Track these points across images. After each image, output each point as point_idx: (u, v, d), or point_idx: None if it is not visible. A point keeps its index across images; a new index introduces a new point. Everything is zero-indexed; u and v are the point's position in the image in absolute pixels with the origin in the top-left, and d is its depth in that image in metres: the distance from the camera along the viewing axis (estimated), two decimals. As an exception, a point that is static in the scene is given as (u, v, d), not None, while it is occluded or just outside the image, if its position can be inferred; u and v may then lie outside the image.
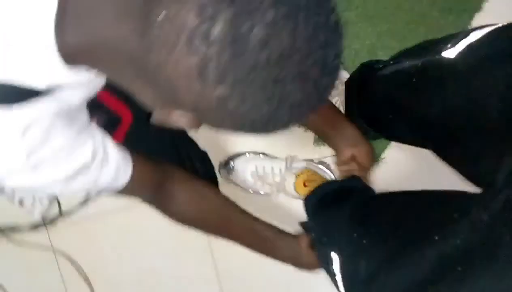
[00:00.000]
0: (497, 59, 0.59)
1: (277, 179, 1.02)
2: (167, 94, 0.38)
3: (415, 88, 0.72)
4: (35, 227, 1.10)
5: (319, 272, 0.84)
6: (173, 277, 1.16)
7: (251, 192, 1.08)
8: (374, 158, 0.87)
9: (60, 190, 0.50)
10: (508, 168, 0.51)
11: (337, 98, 0.98)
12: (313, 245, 0.84)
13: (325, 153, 1.10)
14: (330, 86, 0.39)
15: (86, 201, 1.10)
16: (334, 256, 0.73)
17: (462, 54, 0.63)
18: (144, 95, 0.41)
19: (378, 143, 1.10)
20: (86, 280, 1.14)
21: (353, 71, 0.98)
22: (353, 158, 0.87)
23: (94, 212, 1.11)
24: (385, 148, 1.10)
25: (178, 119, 0.42)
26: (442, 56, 0.66)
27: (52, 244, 1.12)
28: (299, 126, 1.05)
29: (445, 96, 0.65)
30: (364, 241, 0.66)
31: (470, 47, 0.63)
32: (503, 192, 0.44)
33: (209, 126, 0.43)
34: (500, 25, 0.61)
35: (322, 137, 0.89)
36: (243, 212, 0.82)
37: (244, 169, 1.06)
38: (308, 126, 0.89)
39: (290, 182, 1.01)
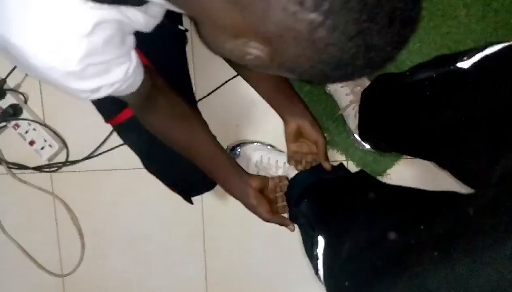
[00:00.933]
0: (507, 71, 0.60)
1: (280, 172, 1.03)
2: (256, 19, 0.39)
3: (429, 98, 0.73)
4: (40, 168, 1.13)
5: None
6: (161, 248, 1.19)
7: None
8: (321, 132, 0.88)
9: (85, 97, 0.52)
10: (501, 170, 0.51)
11: (355, 105, 0.98)
12: (291, 215, 0.88)
13: (332, 154, 1.11)
14: (408, 39, 0.40)
15: (94, 152, 1.13)
16: (320, 239, 0.74)
17: (475, 65, 0.65)
18: (222, 21, 0.42)
19: (385, 159, 1.10)
20: (79, 230, 1.17)
21: (371, 82, 0.98)
22: (299, 132, 0.89)
23: (99, 166, 1.14)
24: (392, 165, 1.11)
25: (252, 51, 0.43)
26: (457, 67, 0.67)
27: (53, 189, 1.16)
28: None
29: (456, 104, 0.66)
30: (350, 226, 0.67)
31: (484, 59, 0.64)
32: (493, 189, 0.44)
33: (277, 65, 0.44)
34: None
35: (273, 107, 0.91)
36: (214, 140, 0.84)
37: (249, 157, 1.07)
38: (262, 94, 0.91)
39: (291, 176, 1.02)
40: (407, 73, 0.86)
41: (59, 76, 0.46)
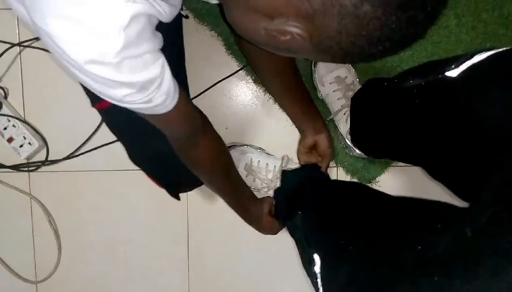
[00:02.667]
0: (496, 79, 0.61)
1: (270, 176, 1.01)
2: None
3: (417, 106, 0.74)
4: (18, 167, 1.08)
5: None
6: (143, 253, 1.14)
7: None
8: (332, 146, 0.98)
9: (122, 98, 0.50)
10: (495, 184, 0.51)
11: (346, 109, 0.97)
12: (289, 230, 0.92)
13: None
14: (440, 14, 0.42)
15: (75, 152, 1.08)
16: (317, 258, 0.72)
17: (464, 74, 0.65)
18: (257, 2, 0.44)
19: (375, 166, 1.09)
20: (56, 233, 1.12)
21: (360, 88, 0.98)
22: (313, 146, 0.98)
23: (80, 167, 1.10)
24: (382, 172, 1.10)
25: (290, 29, 0.44)
26: (445, 75, 0.68)
27: (31, 189, 1.10)
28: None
29: (445, 113, 0.67)
30: (348, 245, 0.65)
31: (472, 67, 0.65)
32: (490, 208, 0.44)
33: (314, 45, 0.45)
34: (503, 49, 0.63)
35: (293, 120, 1.00)
36: (237, 172, 0.92)
37: (239, 160, 1.05)
38: (283, 107, 1.01)
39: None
40: (396, 80, 0.87)
41: (100, 69, 0.45)
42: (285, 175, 1.00)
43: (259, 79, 1.01)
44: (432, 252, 0.46)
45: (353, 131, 0.98)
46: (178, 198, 0.98)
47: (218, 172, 0.84)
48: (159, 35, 0.53)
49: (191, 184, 0.98)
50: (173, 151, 0.79)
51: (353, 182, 0.96)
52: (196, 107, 0.67)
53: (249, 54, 0.94)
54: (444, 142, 0.70)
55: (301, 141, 0.99)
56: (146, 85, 0.50)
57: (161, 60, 0.51)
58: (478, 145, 0.62)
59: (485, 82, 0.63)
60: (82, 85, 0.81)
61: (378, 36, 0.41)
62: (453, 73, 0.67)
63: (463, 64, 0.67)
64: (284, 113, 1.07)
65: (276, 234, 1.00)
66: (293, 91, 0.95)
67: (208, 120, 0.79)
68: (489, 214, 0.43)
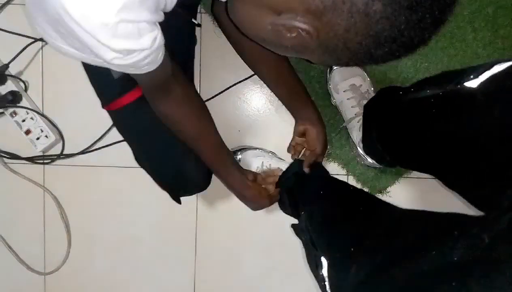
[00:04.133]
0: None
1: (280, 179, 1.01)
2: None
3: (434, 117, 0.73)
4: (33, 159, 1.10)
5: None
6: (150, 252, 1.15)
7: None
8: (325, 142, 0.94)
9: (111, 59, 0.50)
10: None
11: (360, 118, 0.98)
12: (295, 231, 0.90)
13: (333, 168, 1.10)
14: (446, 20, 0.43)
15: (90, 147, 1.10)
16: (324, 261, 0.72)
17: (483, 84, 0.65)
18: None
19: (386, 176, 1.09)
20: (67, 227, 1.13)
21: (374, 95, 0.98)
22: (303, 134, 0.95)
23: (94, 162, 1.11)
24: (393, 183, 1.10)
25: (298, 25, 0.44)
26: (464, 86, 0.67)
27: (45, 182, 1.12)
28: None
29: (462, 125, 0.66)
30: (357, 249, 0.65)
31: (492, 78, 0.64)
32: (508, 214, 0.43)
33: (320, 43, 0.45)
34: None
35: (287, 108, 0.97)
36: (217, 133, 0.85)
37: (250, 163, 1.05)
38: (279, 96, 0.97)
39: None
40: (412, 89, 0.86)
41: (92, 28, 0.45)
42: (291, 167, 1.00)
43: (248, 66, 0.96)
44: (449, 258, 0.45)
45: (365, 138, 0.98)
46: (179, 202, 0.99)
47: (192, 125, 0.80)
48: (162, 14, 0.53)
49: (192, 190, 0.98)
50: (176, 154, 0.80)
51: (361, 190, 0.96)
52: (169, 62, 0.66)
53: (236, 41, 0.91)
54: (462, 152, 0.69)
55: (294, 126, 0.97)
56: (135, 53, 0.50)
57: (155, 33, 0.51)
58: (498, 155, 0.61)
59: (505, 94, 0.62)
60: (92, 86, 0.84)
61: (386, 36, 0.42)
62: (472, 83, 0.67)
63: (483, 74, 0.66)
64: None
65: (262, 207, 0.93)
66: (282, 77, 0.91)
67: (180, 72, 0.76)
68: (507, 220, 0.43)
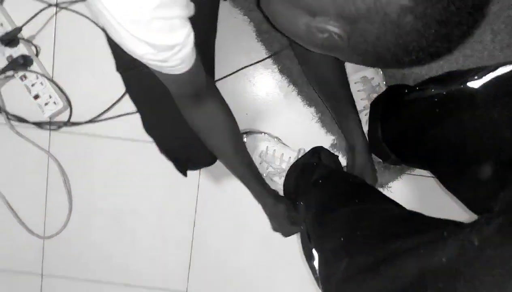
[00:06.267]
0: None
1: (284, 165, 1.01)
2: None
3: (436, 116, 0.74)
4: (40, 125, 1.11)
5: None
6: (149, 227, 1.16)
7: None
8: (368, 171, 0.96)
9: (143, 54, 0.52)
10: (507, 197, 0.51)
11: (367, 111, 0.97)
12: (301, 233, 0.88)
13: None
14: (473, 33, 0.44)
15: (98, 117, 1.10)
16: (315, 253, 0.72)
17: (486, 86, 0.65)
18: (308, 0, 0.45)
19: (389, 171, 1.09)
20: (69, 194, 1.14)
21: (380, 93, 0.98)
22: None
23: (100, 132, 1.12)
24: (395, 178, 1.10)
25: (330, 28, 0.46)
26: (467, 86, 0.68)
27: (50, 148, 1.13)
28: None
29: (462, 124, 0.67)
30: (347, 245, 0.65)
31: (495, 79, 0.65)
32: (499, 217, 0.43)
33: (350, 46, 0.47)
34: None
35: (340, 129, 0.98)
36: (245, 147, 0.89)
37: (255, 147, 1.05)
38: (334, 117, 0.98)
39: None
40: (417, 87, 0.87)
41: (126, 23, 0.48)
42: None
43: (315, 89, 0.99)
44: (437, 259, 0.45)
45: (370, 137, 0.98)
46: (185, 174, 0.99)
47: (222, 137, 0.83)
48: (192, 5, 0.55)
49: (200, 162, 0.97)
50: (187, 125, 0.80)
51: (362, 180, 0.96)
52: (203, 71, 0.69)
53: (312, 67, 0.93)
54: (459, 153, 0.70)
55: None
56: (167, 49, 0.52)
57: (188, 29, 0.53)
58: (495, 157, 0.61)
59: (506, 96, 0.63)
60: (111, 48, 0.83)
61: (414, 46, 0.43)
62: (475, 84, 0.68)
63: (487, 75, 0.67)
64: (306, 107, 1.07)
65: (285, 236, 0.99)
66: (342, 103, 0.93)
67: (214, 85, 0.80)
68: (498, 223, 0.43)
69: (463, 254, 0.44)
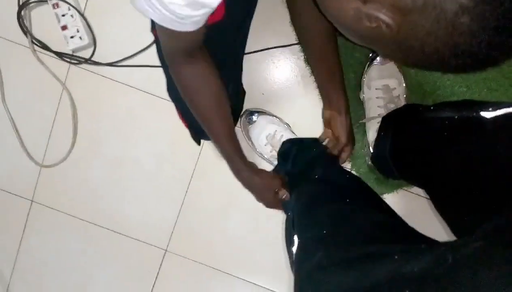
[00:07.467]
0: None
1: (287, 152, 1.02)
2: None
3: (444, 138, 0.74)
4: (62, 55, 1.11)
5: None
6: (145, 179, 1.18)
7: (257, 152, 1.08)
8: (349, 133, 0.97)
9: (163, 3, 0.51)
10: (492, 225, 0.51)
11: (379, 120, 0.98)
12: (284, 206, 0.93)
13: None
14: None
15: (119, 62, 1.11)
16: (296, 240, 0.74)
17: (497, 118, 0.65)
18: None
19: (388, 183, 1.10)
20: (75, 128, 1.16)
21: (395, 109, 0.99)
22: (329, 122, 0.98)
23: (118, 78, 1.13)
24: (392, 191, 1.11)
25: (381, 17, 0.44)
26: (480, 115, 0.68)
27: (66, 80, 1.14)
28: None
29: (466, 151, 0.67)
30: (328, 238, 0.67)
31: (508, 115, 0.65)
32: (476, 242, 0.44)
33: (397, 40, 0.45)
34: None
35: (320, 90, 1.00)
36: (231, 116, 0.87)
37: (264, 127, 1.06)
38: (315, 77, 1.00)
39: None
40: (432, 108, 0.87)
41: None
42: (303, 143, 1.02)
43: (296, 33, 0.98)
44: (409, 267, 0.46)
45: (377, 154, 0.99)
46: (199, 143, 1.01)
47: (208, 99, 0.81)
48: None
49: None
50: None
51: (358, 178, 0.97)
52: (204, 29, 0.68)
53: (297, 14, 0.92)
54: (459, 179, 0.70)
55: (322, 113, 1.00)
56: (196, 5, 0.51)
57: None
58: (490, 190, 0.62)
59: None
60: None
61: (464, 49, 0.41)
62: (487, 114, 0.68)
63: (500, 109, 0.67)
64: (321, 101, 1.08)
65: (265, 200, 0.97)
66: (325, 55, 0.92)
67: (206, 49, 0.77)
68: (474, 247, 0.43)
69: (435, 268, 0.45)
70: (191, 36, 0.61)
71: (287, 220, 0.85)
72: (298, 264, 0.69)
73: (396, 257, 0.49)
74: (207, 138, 1.00)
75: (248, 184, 0.94)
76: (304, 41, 0.95)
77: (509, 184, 0.59)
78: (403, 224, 0.71)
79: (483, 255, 0.42)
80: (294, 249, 0.73)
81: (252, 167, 0.93)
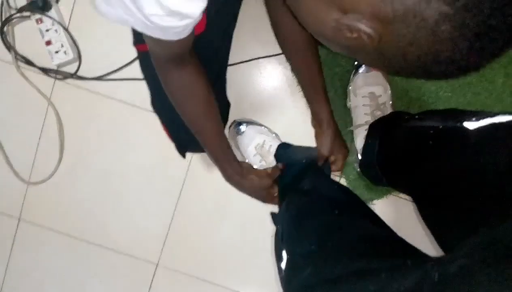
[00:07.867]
0: (508, 139, 0.62)
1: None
2: None
3: (429, 148, 0.75)
4: (47, 71, 1.10)
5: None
6: (134, 193, 1.17)
7: (246, 161, 1.08)
8: (332, 146, 0.99)
9: (148, 14, 0.50)
10: (476, 240, 0.51)
11: (367, 127, 0.98)
12: (273, 218, 0.94)
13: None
14: (502, 55, 0.42)
15: (105, 76, 1.10)
16: (284, 255, 0.74)
17: (480, 129, 0.66)
18: None
19: (377, 190, 1.10)
20: (61, 144, 1.15)
21: (382, 117, 1.00)
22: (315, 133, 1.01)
23: (104, 92, 1.12)
24: (381, 197, 1.11)
25: (361, 28, 0.43)
26: (463, 125, 0.68)
27: (51, 96, 1.13)
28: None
29: (450, 162, 0.68)
30: (316, 254, 0.67)
31: (490, 126, 0.65)
32: (461, 259, 0.44)
33: (378, 50, 0.44)
34: None
35: (306, 98, 1.01)
36: (220, 120, 0.87)
37: (252, 138, 1.06)
38: (298, 82, 1.01)
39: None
40: (416, 116, 0.88)
41: None
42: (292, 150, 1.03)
43: (278, 42, 0.97)
44: (395, 285, 0.46)
45: (364, 161, 1.00)
46: (184, 156, 1.00)
47: (197, 104, 0.81)
48: None
49: (199, 147, 0.96)
50: None
51: (347, 189, 0.97)
52: (192, 36, 0.67)
53: (277, 25, 0.92)
54: (444, 188, 0.71)
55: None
56: (177, 16, 0.50)
57: (204, 5, 0.51)
58: (473, 200, 0.62)
59: (499, 143, 0.64)
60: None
61: (445, 56, 0.41)
62: (471, 125, 0.68)
63: (484, 119, 0.67)
64: (309, 109, 1.08)
65: (259, 197, 1.00)
66: (307, 64, 0.92)
67: (195, 53, 0.77)
68: (459, 265, 0.43)
69: (421, 287, 0.45)
70: (178, 44, 0.60)
71: (276, 234, 0.85)
72: (287, 281, 0.69)
73: (383, 275, 0.49)
74: (192, 150, 1.00)
75: (239, 188, 0.97)
76: (286, 52, 0.95)
77: (493, 196, 0.59)
78: (391, 235, 0.71)
79: (467, 274, 0.42)
80: (283, 264, 0.73)
81: (243, 168, 0.95)
